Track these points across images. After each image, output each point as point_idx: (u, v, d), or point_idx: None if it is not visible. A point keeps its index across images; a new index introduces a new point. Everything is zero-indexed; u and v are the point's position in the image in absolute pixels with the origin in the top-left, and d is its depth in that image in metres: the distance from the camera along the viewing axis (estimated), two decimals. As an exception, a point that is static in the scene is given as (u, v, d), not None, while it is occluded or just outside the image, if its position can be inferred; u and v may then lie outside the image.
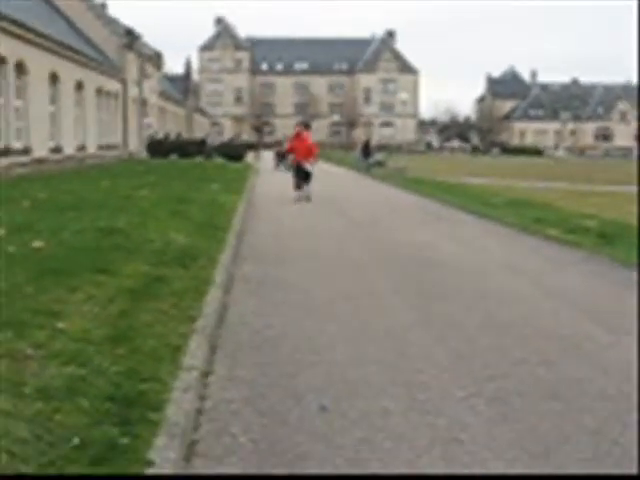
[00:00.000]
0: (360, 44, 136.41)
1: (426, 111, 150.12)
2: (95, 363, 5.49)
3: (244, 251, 12.84)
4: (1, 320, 6.26)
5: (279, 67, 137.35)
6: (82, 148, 37.75)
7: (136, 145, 51.43)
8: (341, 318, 8.08)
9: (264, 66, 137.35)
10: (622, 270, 11.54)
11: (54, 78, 33.32)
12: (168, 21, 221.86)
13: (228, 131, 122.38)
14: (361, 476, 4.26)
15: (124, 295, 7.85)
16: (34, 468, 3.81)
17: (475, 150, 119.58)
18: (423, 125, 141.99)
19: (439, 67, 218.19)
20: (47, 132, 32.24)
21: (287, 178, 26.01)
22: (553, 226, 16.08)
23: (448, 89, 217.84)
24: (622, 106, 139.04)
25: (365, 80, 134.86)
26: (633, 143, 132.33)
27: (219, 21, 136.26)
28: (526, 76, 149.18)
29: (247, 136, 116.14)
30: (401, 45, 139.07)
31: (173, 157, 51.67)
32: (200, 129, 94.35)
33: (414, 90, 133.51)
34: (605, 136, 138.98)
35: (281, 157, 42.59)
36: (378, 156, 49.02)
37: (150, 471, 3.98)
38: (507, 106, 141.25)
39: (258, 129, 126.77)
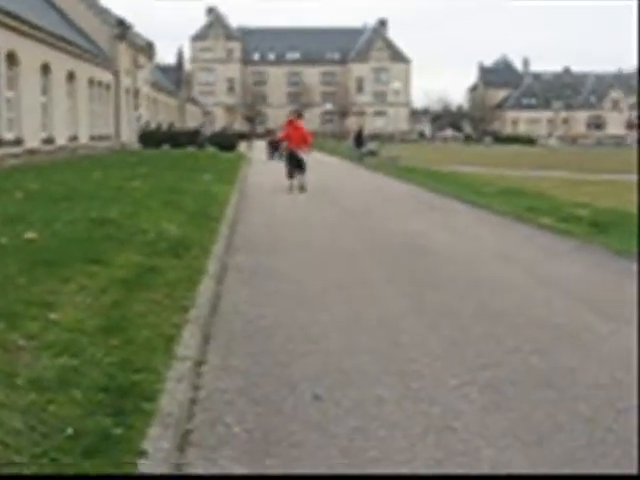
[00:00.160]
0: (352, 33, 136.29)
1: (419, 100, 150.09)
2: (88, 354, 5.48)
3: (237, 241, 12.83)
4: (-6, 311, 6.24)
5: (271, 57, 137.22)
6: (74, 139, 37.63)
7: (128, 136, 51.28)
8: (334, 307, 8.08)
9: (256, 56, 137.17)
10: (616, 259, 11.54)
11: (46, 69, 33.20)
12: (160, 11, 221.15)
13: (220, 121, 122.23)
14: (361, 476, 4.26)
15: (117, 285, 7.84)
16: (27, 458, 3.81)
17: (468, 139, 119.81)
18: (416, 114, 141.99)
19: (431, 56, 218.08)
20: (39, 123, 32.12)
21: (280, 168, 25.98)
22: (546, 215, 16.08)
23: (441, 78, 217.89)
24: (614, 94, 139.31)
25: (357, 69, 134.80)
26: (625, 131, 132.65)
27: (211, 11, 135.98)
28: (518, 65, 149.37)
29: (239, 126, 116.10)
30: (393, 34, 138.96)
31: (165, 147, 51.56)
32: (192, 119, 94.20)
33: (406, 79, 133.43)
34: (597, 124, 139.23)
35: (274, 146, 42.13)
36: (371, 145, 48.99)
37: (143, 461, 3.97)
38: (500, 95, 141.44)
39: (250, 119, 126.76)
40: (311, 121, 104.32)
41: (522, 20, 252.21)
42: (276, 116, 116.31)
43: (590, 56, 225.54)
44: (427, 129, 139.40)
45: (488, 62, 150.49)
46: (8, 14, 27.42)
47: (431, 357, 6.30)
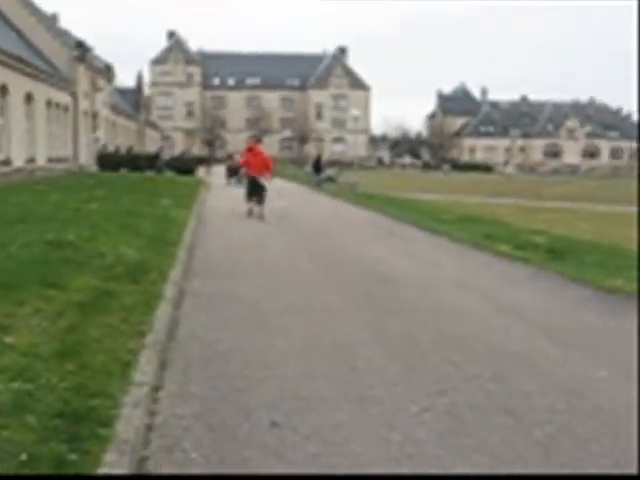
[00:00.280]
0: (312, 60, 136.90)
1: (378, 127, 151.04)
2: (43, 378, 5.40)
3: (195, 266, 12.75)
4: (-54, 335, 6.14)
5: (231, 81, 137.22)
6: (31, 161, 37.32)
7: (86, 158, 50.95)
8: (292, 332, 8.05)
9: (216, 80, 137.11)
10: (572, 286, 11.64)
11: (3, 90, 32.94)
12: (120, 34, 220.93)
13: (179, 145, 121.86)
14: (361, 476, 4.24)
15: (73, 309, 7.74)
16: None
17: (426, 166, 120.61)
18: (374, 141, 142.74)
19: (390, 83, 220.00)
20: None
21: (239, 193, 25.93)
22: (503, 242, 16.20)
23: (399, 105, 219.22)
24: (570, 123, 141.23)
25: (317, 96, 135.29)
26: (580, 160, 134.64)
27: (171, 35, 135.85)
28: (477, 93, 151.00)
29: (198, 150, 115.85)
30: (353, 61, 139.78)
31: (124, 171, 51.29)
32: (151, 143, 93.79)
33: (365, 106, 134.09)
34: (554, 153, 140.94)
35: (233, 172, 41.85)
36: (329, 171, 49.09)
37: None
38: (458, 123, 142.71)
39: (209, 143, 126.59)
40: (270, 147, 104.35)
41: (479, 49, 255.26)
42: (235, 141, 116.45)
43: (547, 85, 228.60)
44: (386, 156, 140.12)
45: (447, 90, 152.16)
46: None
47: (390, 383, 6.29)
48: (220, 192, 37.10)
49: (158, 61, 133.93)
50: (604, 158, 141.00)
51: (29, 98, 37.24)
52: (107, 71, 60.92)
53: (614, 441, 5.10)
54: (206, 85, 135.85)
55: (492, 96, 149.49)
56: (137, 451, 4.57)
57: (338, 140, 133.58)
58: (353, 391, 6.06)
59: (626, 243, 16.25)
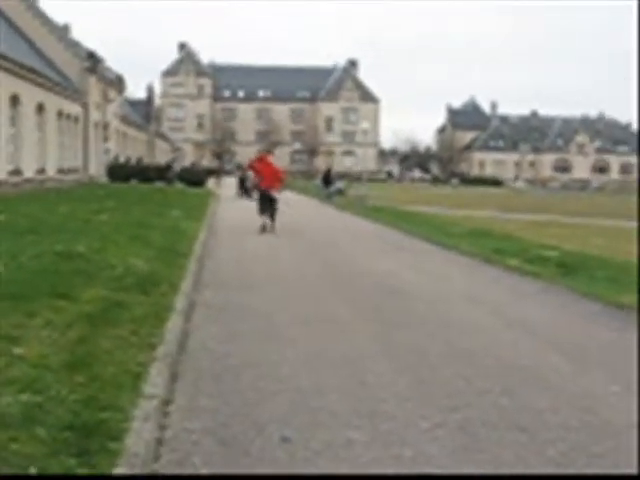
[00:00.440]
0: (322, 73, 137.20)
1: (387, 140, 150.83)
2: (53, 390, 5.38)
3: (205, 277, 12.73)
4: (-44, 345, 6.12)
5: (241, 94, 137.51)
6: (42, 171, 37.43)
7: (96, 169, 51.09)
8: (302, 346, 8.02)
9: (226, 92, 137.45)
10: (582, 301, 11.59)
11: (15, 100, 33.06)
12: (131, 45, 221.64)
13: (189, 157, 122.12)
14: (361, 476, 4.20)
15: (83, 321, 7.73)
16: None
17: (435, 180, 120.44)
18: (384, 154, 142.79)
19: (400, 97, 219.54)
20: (6, 155, 31.91)
21: (249, 205, 25.90)
22: (513, 256, 16.16)
23: (409, 119, 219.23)
24: (580, 138, 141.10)
25: (327, 108, 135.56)
26: (590, 175, 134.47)
27: (182, 46, 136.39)
28: (486, 107, 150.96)
29: (207, 162, 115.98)
30: (363, 74, 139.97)
31: (134, 182, 51.39)
32: (161, 154, 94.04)
33: (375, 119, 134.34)
34: (564, 168, 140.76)
35: (245, 184, 40.61)
36: (339, 184, 49.06)
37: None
38: (467, 137, 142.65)
39: (219, 155, 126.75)
40: (281, 159, 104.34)
41: (490, 63, 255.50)
42: (245, 153, 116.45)
43: (557, 100, 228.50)
44: (395, 169, 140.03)
45: (457, 104, 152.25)
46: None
47: (400, 398, 6.25)
48: (231, 204, 37.05)
49: (169, 73, 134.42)
50: (614, 173, 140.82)
51: (40, 108, 37.39)
52: (118, 82, 61.14)
53: (628, 460, 5.04)
54: (216, 97, 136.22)
55: (502, 110, 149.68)
56: (147, 465, 4.53)
57: (348, 153, 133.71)
58: (364, 406, 6.02)
59: (636, 259, 16.18)
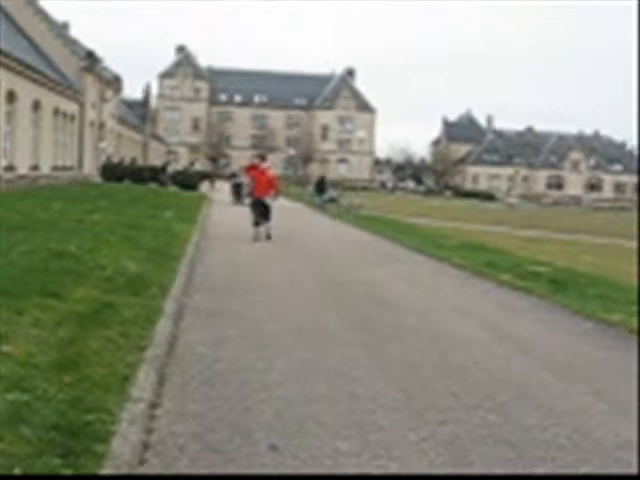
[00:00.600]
0: (319, 80, 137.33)
1: (382, 150, 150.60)
2: (40, 389, 5.34)
3: (196, 281, 12.68)
4: (-56, 341, 6.07)
5: (237, 98, 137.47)
6: (35, 168, 37.33)
7: (90, 168, 51.00)
8: (292, 353, 7.98)
9: (223, 97, 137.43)
10: (574, 318, 11.57)
11: (11, 96, 32.98)
12: (129, 46, 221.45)
13: (183, 159, 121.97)
14: (361, 476, 4.17)
15: (73, 320, 7.68)
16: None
17: (429, 192, 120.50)
18: (378, 164, 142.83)
19: (396, 107, 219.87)
20: (1, 151, 31.84)
21: (242, 211, 25.79)
22: (505, 271, 16.15)
23: (404, 130, 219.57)
24: (575, 155, 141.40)
25: (323, 116, 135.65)
26: (583, 192, 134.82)
27: (180, 49, 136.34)
28: (482, 121, 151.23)
29: (201, 166, 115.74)
30: (360, 84, 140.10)
31: (127, 182, 51.27)
32: (155, 156, 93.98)
33: (371, 129, 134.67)
34: (557, 184, 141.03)
35: (239, 190, 39.80)
36: (332, 193, 48.93)
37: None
38: (462, 150, 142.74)
39: (213, 159, 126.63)
40: (275, 165, 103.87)
41: (486, 78, 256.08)
42: (240, 158, 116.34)
43: (553, 116, 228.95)
44: (389, 180, 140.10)
45: (452, 117, 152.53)
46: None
47: (389, 409, 6.22)
48: (224, 209, 36.88)
49: (167, 75, 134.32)
50: (607, 191, 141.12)
51: (36, 106, 37.31)
52: (115, 82, 61.09)
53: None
54: (213, 101, 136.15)
55: (497, 124, 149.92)
56: (132, 469, 4.49)
57: (342, 161, 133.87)
58: (352, 416, 5.98)
59: (627, 278, 16.24)
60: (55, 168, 41.57)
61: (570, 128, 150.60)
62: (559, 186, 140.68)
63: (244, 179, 33.68)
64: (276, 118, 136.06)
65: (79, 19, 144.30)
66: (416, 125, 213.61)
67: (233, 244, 20.08)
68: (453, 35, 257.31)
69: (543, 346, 9.46)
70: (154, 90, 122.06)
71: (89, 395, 5.42)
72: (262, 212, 21.78)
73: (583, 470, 5.17)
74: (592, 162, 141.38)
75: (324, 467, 4.87)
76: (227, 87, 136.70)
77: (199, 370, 7.04)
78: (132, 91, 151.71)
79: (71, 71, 47.20)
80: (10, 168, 33.04)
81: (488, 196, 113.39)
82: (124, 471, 4.35)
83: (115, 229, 17.28)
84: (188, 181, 56.54)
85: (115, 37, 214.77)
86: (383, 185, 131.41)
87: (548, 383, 7.50)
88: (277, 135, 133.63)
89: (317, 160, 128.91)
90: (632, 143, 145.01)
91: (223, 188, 53.05)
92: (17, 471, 3.99)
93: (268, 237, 21.52)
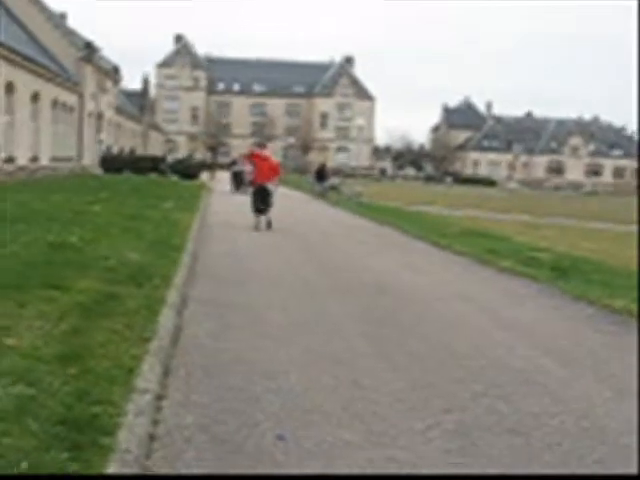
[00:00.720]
0: (318, 68, 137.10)
1: (381, 138, 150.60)
2: (45, 383, 5.32)
3: (198, 271, 12.66)
4: (-52, 335, 6.06)
5: (236, 87, 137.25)
6: (35, 159, 37.28)
7: (90, 159, 50.94)
8: (296, 344, 7.96)
9: (221, 86, 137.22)
10: (576, 304, 11.56)
11: (10, 88, 32.91)
12: (127, 36, 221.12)
13: (182, 149, 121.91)
14: (361, 476, 4.17)
15: (76, 312, 7.66)
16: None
17: (429, 179, 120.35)
18: (378, 151, 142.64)
19: (395, 94, 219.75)
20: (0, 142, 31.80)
21: (243, 200, 25.77)
22: (507, 257, 16.12)
23: (404, 117, 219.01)
24: (574, 141, 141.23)
25: (322, 104, 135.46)
26: (584, 178, 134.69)
27: (179, 39, 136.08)
28: (482, 107, 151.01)
29: (201, 155, 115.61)
30: (359, 71, 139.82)
31: (127, 173, 51.19)
32: (154, 145, 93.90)
33: (370, 116, 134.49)
34: (557, 170, 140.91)
35: (240, 178, 39.66)
36: (333, 180, 48.81)
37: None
38: (462, 136, 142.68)
39: (213, 148, 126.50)
40: (274, 154, 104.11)
41: (485, 64, 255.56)
42: (239, 147, 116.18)
43: (552, 102, 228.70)
44: (388, 167, 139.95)
45: (452, 103, 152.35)
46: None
47: (394, 398, 6.21)
48: (225, 198, 36.85)
49: (165, 64, 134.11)
50: (607, 176, 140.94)
51: (35, 97, 37.24)
52: (114, 73, 60.99)
53: (625, 468, 5.01)
54: (211, 90, 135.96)
55: (497, 110, 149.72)
56: (139, 462, 4.48)
57: (342, 149, 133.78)
58: (357, 406, 5.97)
59: (628, 263, 16.23)
60: (55, 159, 41.53)
61: (570, 113, 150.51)
62: (559, 171, 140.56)
63: (245, 167, 33.58)
64: (275, 106, 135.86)
65: (76, 9, 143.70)
66: (415, 112, 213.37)
67: (234, 233, 20.06)
68: (453, 22, 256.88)
69: (546, 332, 9.45)
70: (152, 80, 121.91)
71: (94, 387, 5.40)
72: (264, 197, 21.70)
73: (593, 456, 5.17)
74: (592, 147, 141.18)
75: (331, 457, 4.86)
76: (225, 76, 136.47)
77: (204, 361, 7.02)
78: (130, 81, 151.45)
79: (69, 62, 47.11)
80: (10, 160, 32.98)
81: (489, 182, 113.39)
82: (131, 464, 4.32)
83: (116, 220, 17.26)
84: (188, 170, 56.53)
85: (112, 27, 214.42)
86: (383, 172, 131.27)
87: (552, 369, 7.50)
88: (276, 123, 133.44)
89: (316, 148, 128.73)
90: (632, 128, 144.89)
91: (223, 178, 52.96)
92: (24, 465, 3.98)
93: (269, 225, 21.47)
